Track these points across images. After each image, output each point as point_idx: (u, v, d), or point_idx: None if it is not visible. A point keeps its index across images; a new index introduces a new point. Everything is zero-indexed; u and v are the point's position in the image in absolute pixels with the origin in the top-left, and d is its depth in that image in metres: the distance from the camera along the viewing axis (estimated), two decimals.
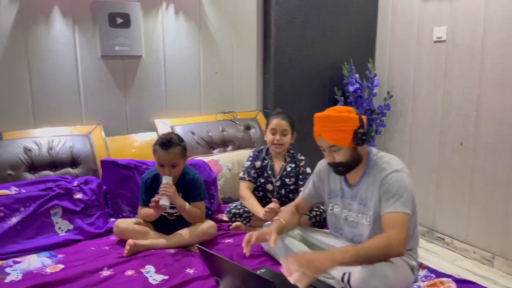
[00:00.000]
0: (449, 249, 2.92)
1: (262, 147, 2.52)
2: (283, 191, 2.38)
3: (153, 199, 2.00)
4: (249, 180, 2.39)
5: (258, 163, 2.43)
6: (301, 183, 2.35)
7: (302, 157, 2.43)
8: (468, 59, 2.72)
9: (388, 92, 3.24)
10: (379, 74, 3.33)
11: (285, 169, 2.39)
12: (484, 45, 2.62)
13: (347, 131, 1.64)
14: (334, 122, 1.64)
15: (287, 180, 2.38)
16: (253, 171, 2.41)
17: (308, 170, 2.38)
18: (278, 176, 2.39)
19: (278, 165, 2.41)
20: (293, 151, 2.45)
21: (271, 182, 2.39)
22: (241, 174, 2.44)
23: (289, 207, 1.98)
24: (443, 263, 2.70)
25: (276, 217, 1.87)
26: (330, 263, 1.43)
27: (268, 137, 2.38)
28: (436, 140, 2.98)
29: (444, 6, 2.83)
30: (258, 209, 2.23)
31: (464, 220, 2.83)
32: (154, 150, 2.09)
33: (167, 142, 2.04)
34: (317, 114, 1.69)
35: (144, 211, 2.11)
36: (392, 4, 3.24)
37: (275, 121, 2.36)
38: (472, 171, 2.76)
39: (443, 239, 2.97)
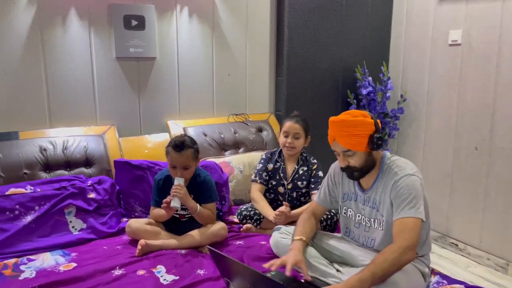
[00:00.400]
0: (462, 255, 2.88)
1: (275, 149, 2.52)
2: (294, 194, 2.38)
3: (164, 200, 2.01)
4: (261, 183, 2.39)
5: (270, 166, 2.43)
6: (312, 186, 2.34)
7: (315, 161, 2.42)
8: (483, 63, 2.69)
9: (401, 96, 3.22)
10: (392, 77, 3.31)
11: (297, 172, 2.39)
12: (500, 49, 2.58)
13: (363, 135, 1.63)
14: (350, 127, 1.63)
15: (299, 183, 2.37)
16: (264, 173, 2.41)
17: (320, 173, 2.37)
18: (290, 179, 2.39)
19: (290, 167, 2.41)
20: (306, 155, 2.44)
21: (283, 185, 2.39)
22: (253, 177, 2.45)
23: (306, 217, 1.90)
24: (456, 269, 2.67)
25: (297, 237, 1.77)
26: None
27: (281, 139, 2.39)
28: (450, 144, 2.95)
29: (460, 9, 2.80)
30: (268, 212, 2.23)
31: (478, 226, 2.79)
32: (167, 152, 2.10)
33: (180, 145, 2.05)
34: (332, 118, 1.68)
35: (155, 211, 2.13)
36: (406, 6, 3.22)
37: (288, 124, 2.36)
38: (487, 176, 2.72)
39: (457, 245, 2.93)
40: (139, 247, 1.94)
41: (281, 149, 2.44)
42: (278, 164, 2.42)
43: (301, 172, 2.39)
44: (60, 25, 2.48)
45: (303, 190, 2.38)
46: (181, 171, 2.06)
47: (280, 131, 2.43)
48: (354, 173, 1.71)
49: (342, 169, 1.74)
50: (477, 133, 2.76)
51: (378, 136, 1.63)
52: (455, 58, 2.86)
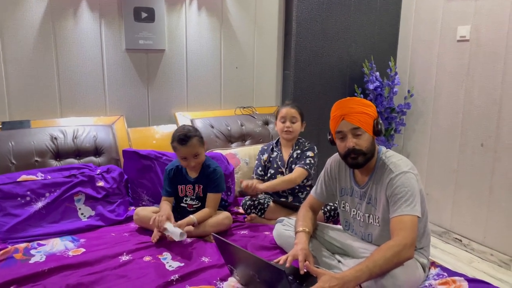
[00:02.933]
0: (466, 250, 2.89)
1: (271, 142, 2.60)
2: None
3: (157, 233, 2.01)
4: (257, 178, 2.49)
5: (265, 156, 2.50)
6: (297, 161, 2.39)
7: (309, 144, 2.46)
8: (491, 59, 2.68)
9: (408, 91, 3.22)
10: (400, 72, 3.31)
11: (291, 156, 2.44)
12: (509, 45, 2.57)
13: (370, 116, 1.65)
14: (360, 105, 1.65)
15: (293, 166, 2.41)
16: (259, 168, 2.50)
17: (309, 153, 2.40)
18: (286, 164, 2.43)
19: (286, 154, 2.47)
20: (302, 140, 2.49)
21: (282, 173, 2.44)
22: (248, 161, 2.56)
23: (305, 210, 1.92)
24: (459, 265, 2.68)
25: (300, 228, 1.78)
26: None
27: (279, 125, 2.45)
28: (456, 140, 2.95)
29: (469, 5, 2.79)
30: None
31: (483, 222, 2.80)
32: (174, 148, 2.14)
33: (185, 137, 2.09)
34: (338, 101, 1.69)
35: (161, 205, 2.16)
36: (415, 2, 3.21)
37: (284, 110, 2.43)
38: (492, 172, 2.72)
39: (460, 240, 2.94)
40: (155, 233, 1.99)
41: (278, 139, 2.49)
42: (276, 153, 2.48)
43: (295, 155, 2.44)
44: (71, 16, 2.53)
45: None
46: (192, 160, 2.11)
47: (276, 119, 2.48)
48: (359, 158, 1.66)
49: (347, 153, 1.67)
50: (484, 130, 2.76)
51: (380, 122, 1.68)
52: (463, 54, 2.86)
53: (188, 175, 2.20)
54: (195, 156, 2.11)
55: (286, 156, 2.46)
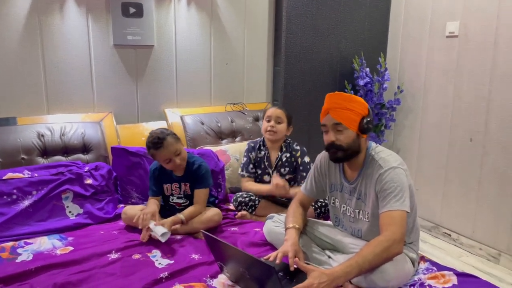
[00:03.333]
0: (455, 245, 2.91)
1: (257, 139, 2.55)
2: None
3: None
4: (248, 176, 2.44)
5: (253, 154, 2.46)
6: (304, 174, 2.36)
7: (298, 147, 2.43)
8: (480, 55, 2.70)
9: (398, 87, 3.23)
10: (390, 68, 3.32)
11: (280, 159, 2.41)
12: (497, 41, 2.59)
13: (355, 113, 1.64)
14: (345, 101, 1.64)
15: (282, 170, 2.40)
16: (250, 166, 2.45)
17: (306, 159, 2.39)
18: (273, 166, 2.41)
19: (274, 155, 2.43)
20: (289, 141, 2.46)
21: (268, 174, 2.42)
22: (239, 171, 2.48)
23: (295, 206, 1.92)
24: (448, 259, 2.70)
25: (290, 225, 1.78)
26: (333, 287, 1.42)
27: (264, 125, 2.42)
28: (445, 136, 2.97)
29: (457, 1, 2.80)
30: (265, 188, 2.32)
31: (471, 217, 2.82)
32: (153, 155, 2.10)
33: (158, 140, 2.04)
34: (329, 93, 1.68)
35: (149, 203, 2.13)
36: None
37: (271, 110, 2.41)
38: (481, 167, 2.74)
39: (450, 235, 2.96)
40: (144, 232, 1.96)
41: (263, 138, 2.47)
42: (263, 152, 2.45)
43: (284, 159, 2.41)
44: (57, 11, 2.49)
45: (287, 177, 2.39)
46: (176, 159, 2.08)
47: (263, 119, 2.46)
48: (338, 153, 1.67)
49: (327, 147, 1.70)
50: (472, 125, 2.78)
51: (369, 119, 1.65)
52: (452, 50, 2.87)
53: (173, 173, 2.18)
54: (177, 155, 2.08)
55: (273, 158, 2.43)
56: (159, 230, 1.88)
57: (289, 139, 2.47)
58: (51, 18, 2.48)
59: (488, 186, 2.70)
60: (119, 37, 2.64)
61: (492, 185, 2.68)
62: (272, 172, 2.40)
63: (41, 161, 2.34)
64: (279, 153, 2.42)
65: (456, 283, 1.59)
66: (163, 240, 1.88)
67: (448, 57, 2.90)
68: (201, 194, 2.15)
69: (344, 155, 1.67)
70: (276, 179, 2.23)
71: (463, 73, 2.82)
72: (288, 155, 2.41)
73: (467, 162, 2.83)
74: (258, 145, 2.48)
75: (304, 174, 2.35)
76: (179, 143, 2.11)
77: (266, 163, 2.42)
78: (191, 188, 2.17)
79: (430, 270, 1.69)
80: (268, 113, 2.41)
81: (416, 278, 1.64)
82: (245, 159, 2.48)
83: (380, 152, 1.71)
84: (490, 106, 2.66)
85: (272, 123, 2.37)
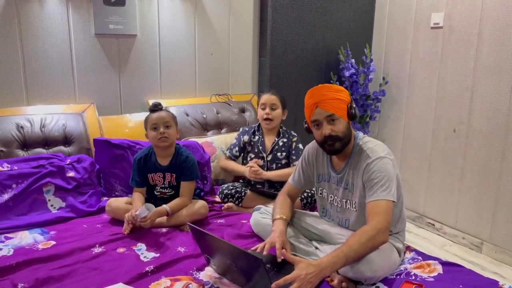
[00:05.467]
0: (438, 234, 2.96)
1: (254, 124, 2.58)
2: (274, 166, 2.41)
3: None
4: (229, 157, 2.49)
5: (245, 137, 2.49)
6: (294, 157, 2.39)
7: (295, 134, 2.47)
8: (464, 46, 2.72)
9: (383, 78, 3.24)
10: (375, 59, 3.32)
11: (277, 144, 2.42)
12: (481, 32, 2.61)
13: (343, 101, 1.66)
14: (333, 91, 1.65)
15: (278, 154, 2.40)
16: (236, 148, 2.50)
17: (301, 146, 2.41)
18: (269, 151, 2.42)
19: (269, 140, 2.45)
20: (285, 128, 2.49)
21: (262, 158, 2.42)
22: (225, 150, 2.54)
23: (283, 198, 1.92)
24: (432, 248, 2.74)
25: (278, 216, 1.78)
26: (321, 278, 1.42)
27: (259, 113, 2.44)
28: (429, 126, 3.00)
29: None
30: (242, 169, 2.39)
31: (454, 206, 2.86)
32: (146, 120, 2.14)
33: (158, 104, 2.14)
34: (311, 89, 1.68)
35: (134, 197, 2.11)
36: None
37: (265, 97, 2.42)
38: (464, 158, 2.78)
39: (433, 224, 3.00)
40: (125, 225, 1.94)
41: (259, 123, 2.49)
42: (257, 137, 2.46)
43: (281, 143, 2.42)
44: (36, 0, 2.41)
45: (283, 161, 2.42)
46: (164, 129, 2.07)
47: (258, 106, 2.47)
48: (336, 144, 1.67)
49: (323, 141, 1.68)
50: (456, 116, 2.81)
51: (354, 105, 1.68)
52: (436, 41, 2.89)
53: (158, 162, 2.15)
54: (167, 127, 2.08)
55: (269, 143, 2.44)
56: (142, 211, 1.90)
57: (285, 127, 2.51)
58: (30, 6, 2.39)
59: (471, 177, 2.74)
60: (101, 26, 2.57)
61: (474, 175, 2.72)
62: (267, 156, 2.42)
63: (21, 153, 2.28)
64: (276, 138, 2.44)
65: (441, 272, 1.61)
66: (145, 214, 1.90)
67: (433, 48, 2.92)
68: (187, 186, 2.12)
69: (341, 145, 1.68)
70: (251, 163, 2.31)
71: (447, 64, 2.84)
72: (285, 140, 2.43)
73: (451, 153, 2.86)
74: (253, 129, 2.50)
75: (294, 157, 2.38)
76: (174, 124, 2.15)
77: (261, 147, 2.43)
78: (177, 179, 2.14)
79: (416, 260, 1.71)
80: (262, 100, 2.41)
81: (402, 267, 1.65)
82: (235, 140, 2.52)
83: (368, 142, 1.71)
84: (474, 97, 2.69)
85: (267, 110, 2.39)
